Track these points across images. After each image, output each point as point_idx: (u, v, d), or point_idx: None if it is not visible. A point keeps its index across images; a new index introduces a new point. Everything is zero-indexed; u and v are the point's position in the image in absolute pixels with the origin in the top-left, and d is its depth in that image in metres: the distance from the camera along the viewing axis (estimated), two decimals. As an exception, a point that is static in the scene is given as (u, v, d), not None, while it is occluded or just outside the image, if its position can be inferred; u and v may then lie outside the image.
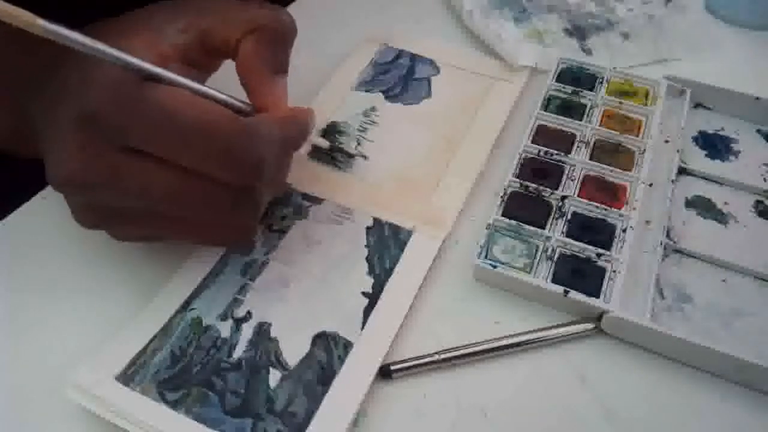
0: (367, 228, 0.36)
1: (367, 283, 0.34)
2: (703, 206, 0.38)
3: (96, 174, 0.27)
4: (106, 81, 0.26)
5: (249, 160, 0.27)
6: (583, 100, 0.43)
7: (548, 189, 0.37)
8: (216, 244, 0.34)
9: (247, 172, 0.28)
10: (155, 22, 0.30)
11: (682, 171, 0.40)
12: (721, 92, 0.43)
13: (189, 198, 0.28)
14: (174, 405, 0.29)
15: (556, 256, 0.34)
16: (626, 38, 0.49)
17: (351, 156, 0.40)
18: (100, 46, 0.25)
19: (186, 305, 0.33)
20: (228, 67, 0.32)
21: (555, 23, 0.50)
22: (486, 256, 0.35)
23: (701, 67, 0.46)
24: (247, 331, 0.32)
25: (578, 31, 0.50)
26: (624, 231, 0.35)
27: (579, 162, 0.39)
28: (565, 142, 0.40)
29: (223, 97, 0.30)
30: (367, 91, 0.44)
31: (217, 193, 0.28)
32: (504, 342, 0.32)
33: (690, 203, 0.39)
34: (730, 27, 0.52)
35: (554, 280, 0.33)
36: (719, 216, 0.38)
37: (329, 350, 0.31)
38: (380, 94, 0.44)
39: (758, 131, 0.43)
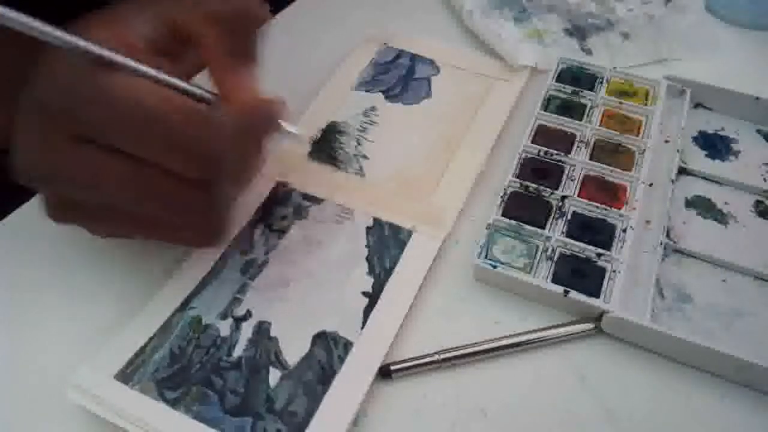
0: (367, 228, 0.36)
1: (367, 283, 0.34)
2: (703, 206, 0.38)
3: (50, 165, 0.27)
4: (59, 69, 0.26)
5: (206, 153, 0.27)
6: (583, 100, 0.43)
7: (548, 189, 0.37)
8: (181, 242, 0.32)
9: (204, 164, 0.27)
10: (122, 13, 0.30)
11: (682, 171, 0.40)
12: (721, 92, 0.43)
13: (142, 190, 0.27)
14: (173, 404, 0.29)
15: (556, 256, 0.34)
16: (626, 38, 0.49)
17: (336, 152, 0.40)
18: (52, 30, 0.25)
19: (185, 304, 0.33)
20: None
21: (555, 23, 0.50)
22: (486, 256, 0.35)
23: (701, 67, 0.46)
24: (247, 330, 0.32)
25: (578, 31, 0.50)
26: (624, 231, 0.35)
27: (579, 162, 0.39)
28: (565, 142, 0.40)
29: (185, 85, 0.28)
30: (367, 91, 0.44)
31: (173, 187, 0.27)
32: (504, 342, 0.32)
33: (690, 203, 0.39)
34: (730, 27, 0.52)
35: (554, 280, 0.33)
36: (719, 216, 0.38)
37: (329, 350, 0.31)
38: (380, 94, 0.44)
39: (758, 131, 0.43)
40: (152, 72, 0.27)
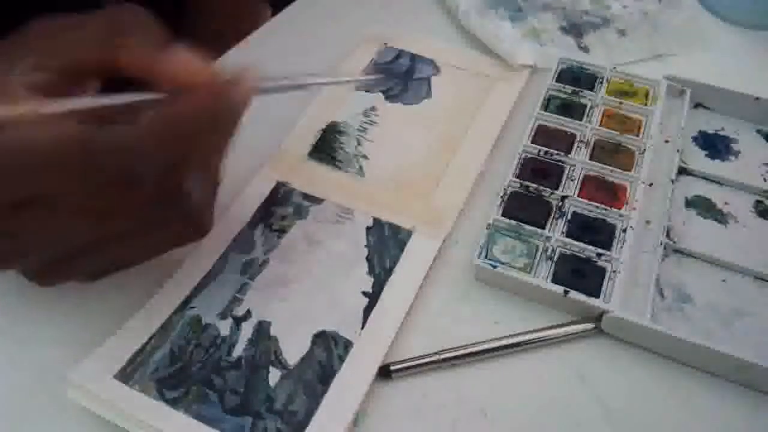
0: (367, 228, 0.36)
1: (367, 283, 0.34)
2: (703, 206, 0.38)
3: (1, 241, 0.26)
4: None
5: (127, 163, 0.25)
6: (583, 100, 0.43)
7: (548, 189, 0.37)
8: (169, 247, 0.31)
9: (156, 176, 0.26)
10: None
11: (682, 171, 0.40)
12: (721, 92, 0.43)
13: (108, 222, 0.26)
14: (173, 403, 0.29)
15: (556, 256, 0.34)
16: (622, 35, 0.49)
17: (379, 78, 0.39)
18: None
19: (185, 304, 0.33)
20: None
21: (551, 22, 0.50)
22: (486, 256, 0.35)
23: (701, 66, 0.46)
24: (247, 329, 0.32)
25: (574, 29, 0.50)
26: (624, 231, 0.35)
27: (579, 162, 0.39)
28: (565, 142, 0.40)
29: (118, 100, 0.26)
30: (367, 91, 0.44)
31: (135, 203, 0.26)
32: (504, 342, 0.32)
33: (690, 203, 0.39)
34: (730, 26, 0.52)
35: (554, 280, 0.33)
36: (719, 216, 0.38)
37: (329, 349, 0.31)
38: (380, 94, 0.44)
39: (758, 131, 0.43)
40: (68, 105, 0.25)
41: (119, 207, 0.26)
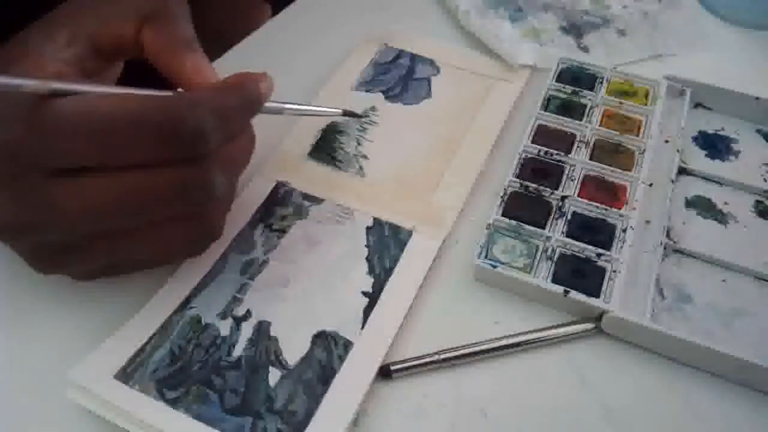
0: (367, 228, 0.36)
1: (367, 283, 0.34)
2: (703, 206, 0.38)
3: (32, 211, 0.25)
4: (6, 109, 0.25)
5: (183, 130, 0.25)
6: (583, 100, 0.43)
7: (548, 189, 0.37)
8: (179, 247, 0.30)
9: (184, 142, 0.25)
10: (33, 44, 0.28)
11: (682, 171, 0.40)
12: (721, 92, 0.43)
13: (136, 197, 0.26)
14: (173, 403, 0.29)
15: (556, 256, 0.34)
16: (622, 35, 0.49)
17: (359, 116, 0.41)
18: None
19: (185, 304, 0.33)
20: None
21: (551, 22, 0.50)
22: (486, 256, 0.35)
23: (701, 66, 0.46)
24: (247, 329, 0.32)
25: (574, 29, 0.50)
26: (624, 231, 0.35)
27: (579, 162, 0.39)
28: (565, 142, 0.40)
29: (139, 91, 0.27)
30: (367, 91, 0.44)
31: (162, 181, 0.26)
32: (504, 342, 0.32)
33: (690, 203, 0.39)
34: (730, 26, 0.52)
35: (554, 280, 0.33)
36: (719, 216, 0.38)
37: (329, 350, 0.31)
38: (380, 94, 0.44)
39: (758, 131, 0.43)
40: (101, 88, 0.26)
41: (153, 187, 0.26)
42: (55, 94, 0.25)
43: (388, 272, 0.34)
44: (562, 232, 0.35)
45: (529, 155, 0.39)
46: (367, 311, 0.33)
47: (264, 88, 0.30)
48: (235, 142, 0.29)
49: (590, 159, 0.39)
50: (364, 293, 0.33)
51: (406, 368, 0.31)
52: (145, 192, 0.26)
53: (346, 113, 0.39)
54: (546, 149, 0.39)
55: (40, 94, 0.25)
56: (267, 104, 0.31)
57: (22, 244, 0.28)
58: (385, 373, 0.31)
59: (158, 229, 0.28)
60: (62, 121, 0.24)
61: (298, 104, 0.35)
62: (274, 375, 0.30)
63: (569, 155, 0.39)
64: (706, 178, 0.40)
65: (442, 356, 0.31)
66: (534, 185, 0.37)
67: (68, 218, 0.26)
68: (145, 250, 0.29)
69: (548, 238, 0.35)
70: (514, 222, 0.35)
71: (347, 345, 0.31)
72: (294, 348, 0.31)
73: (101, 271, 0.31)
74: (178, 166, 0.26)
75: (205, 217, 0.29)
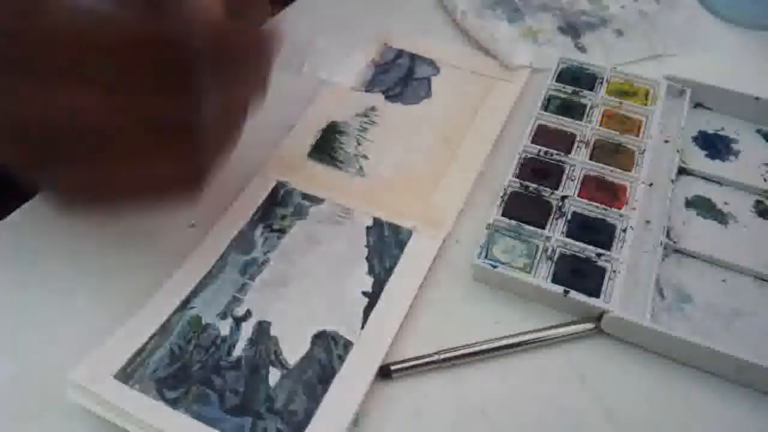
0: (367, 228, 0.36)
1: (367, 283, 0.34)
2: (703, 206, 0.38)
3: (16, 106, 0.24)
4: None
5: (173, 33, 0.23)
6: (583, 100, 0.43)
7: (548, 189, 0.37)
8: (156, 187, 0.28)
9: (174, 47, 0.23)
10: None
11: (682, 171, 0.40)
12: (721, 92, 0.43)
13: (114, 111, 0.24)
14: (173, 403, 0.29)
15: (556, 256, 0.34)
16: (620, 35, 0.49)
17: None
18: None
19: (185, 304, 0.33)
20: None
21: (548, 22, 0.50)
22: (486, 256, 0.35)
23: (701, 66, 0.46)
24: (247, 329, 0.32)
25: (572, 29, 0.50)
26: (624, 231, 0.35)
27: (579, 162, 0.39)
28: (565, 142, 0.40)
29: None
30: (367, 91, 0.44)
31: (148, 99, 0.24)
32: (504, 342, 0.32)
33: (690, 203, 0.39)
34: (730, 26, 0.52)
35: (554, 280, 0.33)
36: (719, 216, 0.38)
37: (329, 350, 0.31)
38: (380, 94, 0.44)
39: (758, 131, 0.43)
40: None
41: (138, 100, 0.24)
42: None
43: (388, 272, 0.34)
44: (562, 232, 0.35)
45: (529, 155, 0.39)
46: (367, 311, 0.33)
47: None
48: (242, 83, 0.27)
49: (590, 159, 0.39)
50: (364, 293, 0.33)
51: (406, 368, 0.31)
52: (124, 107, 0.24)
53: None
54: (546, 149, 0.39)
55: None
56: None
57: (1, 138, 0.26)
58: (385, 373, 0.31)
59: (135, 152, 0.26)
60: (64, 15, 0.23)
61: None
62: (274, 375, 0.30)
63: (569, 155, 0.39)
64: (706, 178, 0.40)
65: (442, 356, 0.31)
66: (534, 185, 0.37)
67: (50, 113, 0.24)
68: (122, 170, 0.27)
69: (548, 238, 0.35)
70: (514, 222, 0.35)
71: (347, 345, 0.31)
72: (294, 348, 0.31)
73: (83, 195, 0.29)
74: (164, 94, 0.24)
75: (187, 152, 0.27)
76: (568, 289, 0.33)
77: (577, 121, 0.41)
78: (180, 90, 0.25)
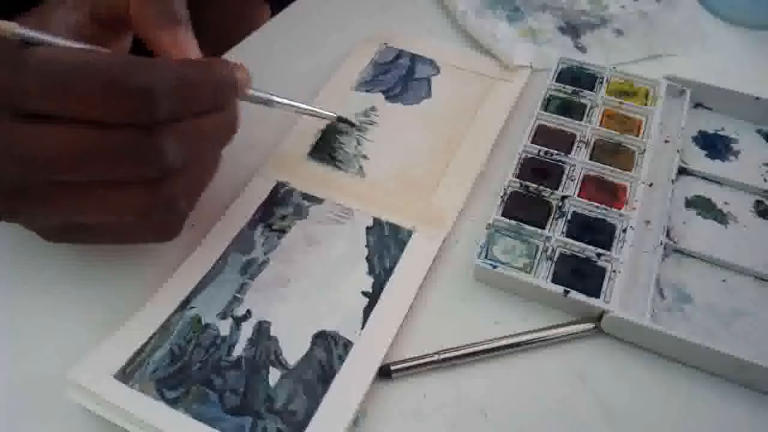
0: (367, 228, 0.36)
1: (367, 283, 0.34)
2: (703, 206, 0.38)
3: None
4: None
5: (130, 87, 0.25)
6: (583, 100, 0.43)
7: (548, 189, 0.37)
8: (134, 216, 0.29)
9: (131, 101, 0.25)
10: (43, 9, 0.30)
11: (682, 171, 0.40)
12: (721, 92, 0.43)
13: (86, 151, 0.26)
14: (173, 403, 0.29)
15: (556, 256, 0.34)
16: (620, 35, 0.49)
17: (352, 125, 0.41)
18: None
19: (185, 304, 0.33)
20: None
21: (548, 22, 0.50)
22: (486, 256, 0.35)
23: (701, 66, 0.46)
24: (247, 329, 0.32)
25: (572, 29, 0.50)
26: (624, 231, 0.35)
27: (579, 162, 0.39)
28: (565, 142, 0.40)
29: (106, 51, 0.27)
30: (367, 91, 0.44)
31: (112, 140, 0.26)
32: (504, 342, 0.32)
33: (690, 203, 0.39)
34: (730, 26, 0.52)
35: (554, 280, 0.33)
36: (719, 216, 0.38)
37: (329, 350, 0.31)
38: (380, 94, 0.44)
39: (758, 131, 0.43)
40: (79, 45, 0.27)
41: (102, 144, 0.26)
42: (28, 42, 0.26)
43: (388, 272, 0.34)
44: (562, 232, 0.35)
45: (529, 155, 0.39)
46: (367, 311, 0.33)
47: (240, 76, 0.30)
48: (204, 118, 0.28)
49: (590, 159, 0.39)
50: (364, 293, 0.33)
51: (406, 368, 0.31)
52: (95, 148, 0.26)
53: (341, 119, 0.40)
54: (546, 149, 0.39)
55: (9, 38, 0.25)
56: (253, 92, 0.32)
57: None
58: (385, 373, 0.31)
59: (112, 191, 0.28)
60: (28, 65, 0.25)
61: (291, 100, 0.36)
62: (274, 375, 0.30)
63: (569, 155, 0.39)
64: (706, 178, 0.40)
65: (442, 356, 0.31)
66: (534, 185, 0.37)
67: (23, 161, 0.26)
68: (100, 212, 0.28)
69: (548, 238, 0.35)
70: (514, 222, 0.35)
71: (347, 345, 0.31)
72: (294, 348, 0.31)
73: (65, 232, 0.30)
74: (129, 128, 0.26)
75: (161, 191, 0.28)
76: (568, 289, 0.33)
77: (577, 121, 0.41)
78: (144, 124, 0.26)
